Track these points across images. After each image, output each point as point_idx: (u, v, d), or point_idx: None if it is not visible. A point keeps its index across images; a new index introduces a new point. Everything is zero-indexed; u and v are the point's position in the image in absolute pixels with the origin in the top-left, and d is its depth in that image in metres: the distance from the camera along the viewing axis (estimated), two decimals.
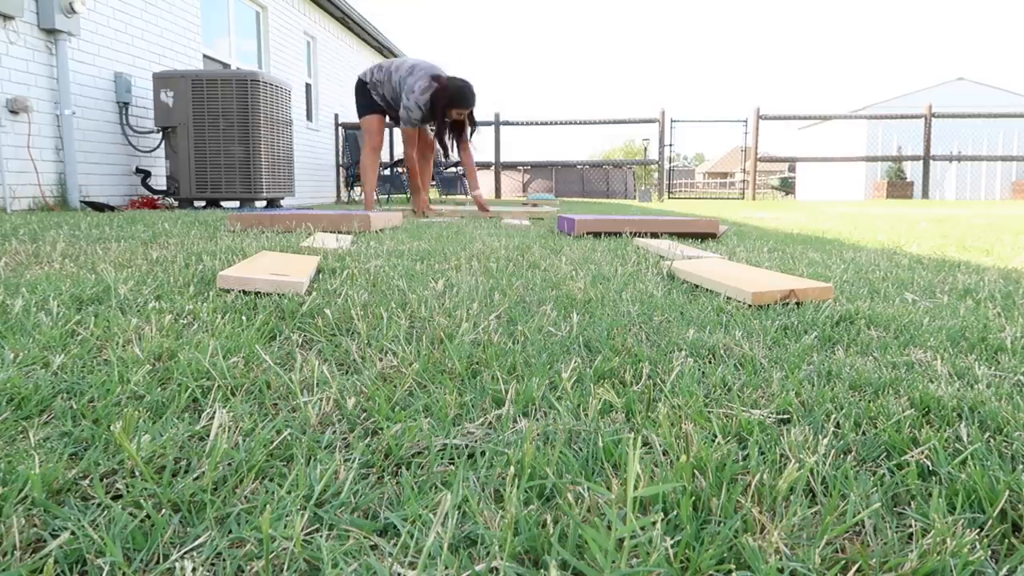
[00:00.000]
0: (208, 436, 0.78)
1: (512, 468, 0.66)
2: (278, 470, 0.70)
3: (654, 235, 3.47)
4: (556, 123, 12.64)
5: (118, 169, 6.38)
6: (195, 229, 3.34)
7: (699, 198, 17.17)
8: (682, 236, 3.48)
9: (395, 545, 0.57)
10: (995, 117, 11.84)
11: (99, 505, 0.62)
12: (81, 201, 5.66)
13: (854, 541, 0.58)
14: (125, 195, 6.50)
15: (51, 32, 5.43)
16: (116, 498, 0.64)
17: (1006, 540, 0.59)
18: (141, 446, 0.72)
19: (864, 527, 0.60)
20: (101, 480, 0.67)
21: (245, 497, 0.64)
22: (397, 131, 14.26)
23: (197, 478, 0.67)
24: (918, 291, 1.79)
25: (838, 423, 0.84)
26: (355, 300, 1.50)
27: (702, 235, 3.47)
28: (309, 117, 11.66)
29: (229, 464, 0.71)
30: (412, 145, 5.58)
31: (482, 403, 0.91)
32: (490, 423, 0.84)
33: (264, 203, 7.33)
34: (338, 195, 12.89)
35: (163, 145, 6.40)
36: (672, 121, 12.96)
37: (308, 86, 11.60)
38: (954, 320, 1.40)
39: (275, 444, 0.76)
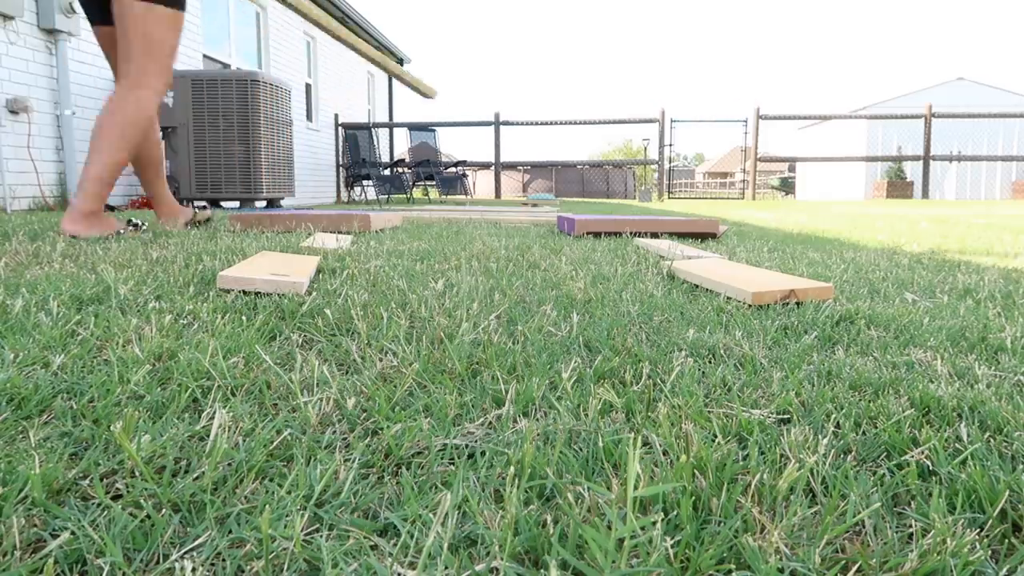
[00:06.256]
0: (208, 436, 0.78)
1: (512, 468, 0.66)
2: (278, 470, 0.70)
3: (654, 235, 3.47)
4: (556, 123, 12.64)
5: None
6: (195, 229, 3.34)
7: (699, 198, 17.17)
8: (682, 236, 3.48)
9: (395, 545, 0.57)
10: (995, 117, 11.84)
11: (99, 505, 0.62)
12: None
13: (854, 541, 0.58)
14: (125, 195, 6.50)
15: (51, 32, 5.43)
16: (116, 498, 0.64)
17: (1006, 540, 0.59)
18: (141, 446, 0.72)
19: (864, 527, 0.60)
20: (101, 480, 0.67)
21: (245, 497, 0.64)
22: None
23: (197, 478, 0.67)
24: (918, 291, 1.79)
25: (838, 423, 0.84)
26: (355, 300, 1.50)
27: (702, 235, 3.47)
28: (309, 117, 11.67)
29: (229, 464, 0.71)
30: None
31: (482, 403, 0.91)
32: (490, 423, 0.84)
33: (264, 203, 7.33)
34: (338, 195, 12.90)
35: (163, 145, 6.40)
36: (672, 121, 12.97)
37: (308, 86, 11.60)
38: (954, 320, 1.40)
39: (275, 444, 0.76)
